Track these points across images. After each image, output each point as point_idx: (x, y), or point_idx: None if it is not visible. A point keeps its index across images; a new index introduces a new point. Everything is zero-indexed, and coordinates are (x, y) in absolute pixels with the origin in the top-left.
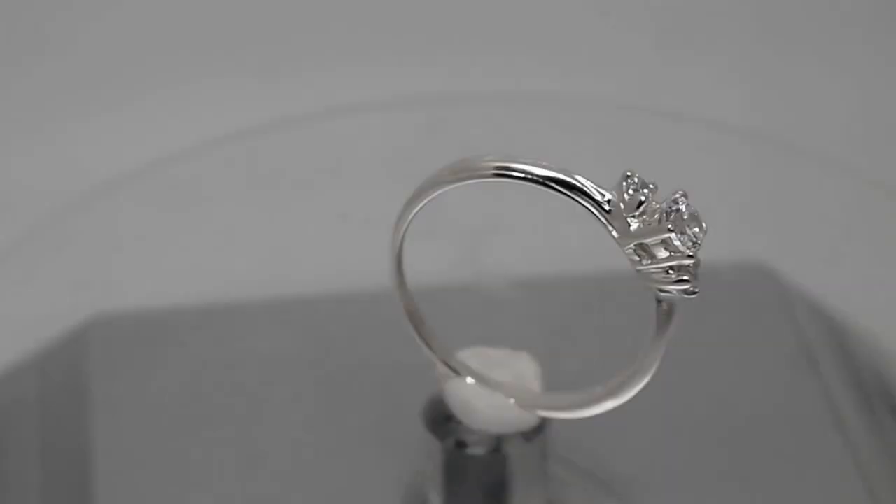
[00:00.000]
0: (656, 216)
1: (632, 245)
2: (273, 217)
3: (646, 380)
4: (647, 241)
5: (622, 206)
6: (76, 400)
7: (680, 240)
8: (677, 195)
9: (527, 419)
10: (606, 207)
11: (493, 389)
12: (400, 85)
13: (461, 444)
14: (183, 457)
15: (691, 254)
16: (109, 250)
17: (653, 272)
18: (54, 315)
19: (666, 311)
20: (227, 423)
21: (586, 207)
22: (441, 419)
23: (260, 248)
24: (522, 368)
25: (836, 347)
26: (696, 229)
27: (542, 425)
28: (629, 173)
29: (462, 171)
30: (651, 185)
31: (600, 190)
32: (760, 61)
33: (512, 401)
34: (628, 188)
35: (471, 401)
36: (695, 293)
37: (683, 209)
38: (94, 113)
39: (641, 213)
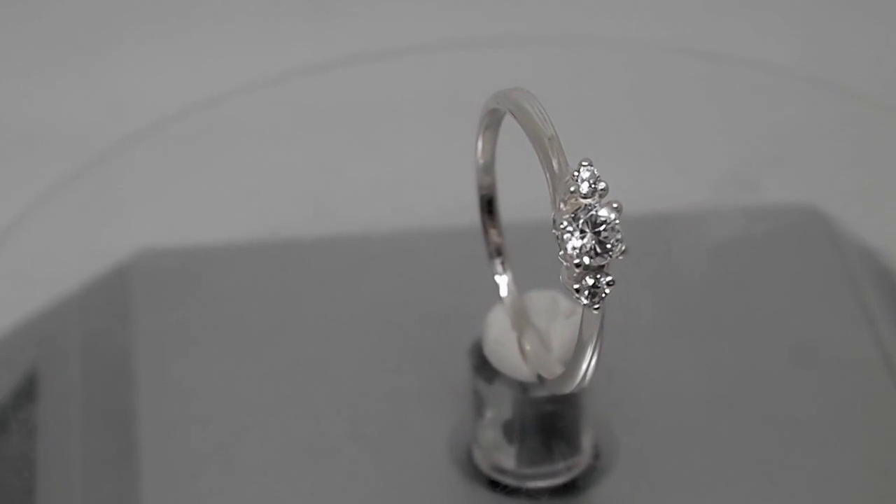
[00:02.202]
0: (569, 214)
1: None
2: (320, 155)
3: (579, 377)
4: (555, 231)
5: (560, 189)
6: (120, 334)
7: (569, 246)
8: (597, 205)
9: (520, 368)
10: (553, 180)
11: (513, 329)
12: (444, 28)
13: (499, 383)
14: (225, 390)
15: (578, 262)
16: (153, 187)
17: (563, 264)
18: (99, 250)
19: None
20: (270, 357)
21: (544, 173)
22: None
23: (306, 186)
24: (556, 327)
25: (887, 291)
26: (610, 250)
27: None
28: (585, 162)
29: (497, 99)
30: (601, 186)
31: (560, 162)
32: (809, 3)
33: (515, 347)
34: (578, 175)
35: (487, 329)
36: (594, 308)
37: (595, 216)
38: (142, 52)
39: (568, 202)
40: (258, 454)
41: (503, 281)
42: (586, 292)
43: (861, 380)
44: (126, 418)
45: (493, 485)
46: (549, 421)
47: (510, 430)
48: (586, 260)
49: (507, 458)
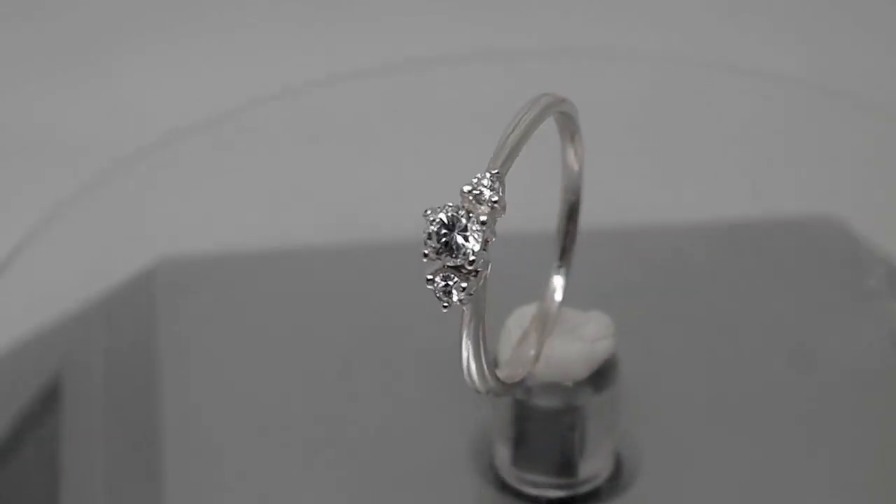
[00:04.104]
0: (446, 205)
1: None
2: (341, 164)
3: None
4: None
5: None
6: (142, 342)
7: (424, 231)
8: (468, 211)
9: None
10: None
11: (529, 325)
12: (462, 40)
13: (527, 394)
14: (248, 399)
15: (426, 251)
16: (175, 195)
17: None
18: (121, 259)
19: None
20: (293, 364)
21: None
22: None
23: (328, 195)
24: (553, 342)
25: None
26: (453, 254)
27: (611, 378)
28: (494, 170)
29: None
30: (494, 199)
31: (493, 164)
32: (822, 13)
33: (514, 339)
34: (480, 179)
35: (508, 318)
36: (443, 307)
37: (455, 217)
38: (161, 61)
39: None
40: (280, 461)
41: (553, 282)
42: (436, 286)
43: (883, 389)
44: (149, 427)
45: (516, 494)
46: (564, 431)
47: (527, 439)
48: (430, 251)
49: (524, 465)
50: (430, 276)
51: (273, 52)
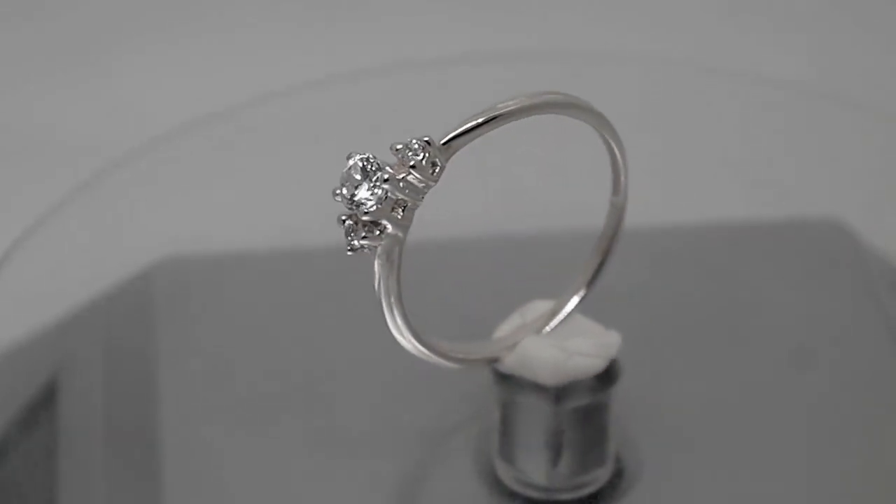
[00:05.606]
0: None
1: None
2: (337, 165)
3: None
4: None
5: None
6: (142, 342)
7: (343, 169)
8: (389, 169)
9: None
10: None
11: (525, 325)
12: (459, 42)
13: (521, 393)
14: (247, 398)
15: (337, 191)
16: (174, 195)
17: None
18: (120, 259)
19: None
20: (292, 365)
21: None
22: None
23: (327, 194)
24: (530, 341)
25: None
26: (354, 203)
27: (603, 387)
28: (426, 138)
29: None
30: (413, 161)
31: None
32: (822, 14)
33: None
34: (410, 145)
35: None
36: (347, 250)
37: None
38: (161, 61)
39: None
40: (279, 462)
41: (576, 287)
42: (345, 227)
43: (883, 389)
44: (148, 427)
45: (509, 493)
46: (566, 433)
47: (515, 437)
48: (343, 191)
49: (513, 463)
50: (343, 217)
51: (273, 52)
